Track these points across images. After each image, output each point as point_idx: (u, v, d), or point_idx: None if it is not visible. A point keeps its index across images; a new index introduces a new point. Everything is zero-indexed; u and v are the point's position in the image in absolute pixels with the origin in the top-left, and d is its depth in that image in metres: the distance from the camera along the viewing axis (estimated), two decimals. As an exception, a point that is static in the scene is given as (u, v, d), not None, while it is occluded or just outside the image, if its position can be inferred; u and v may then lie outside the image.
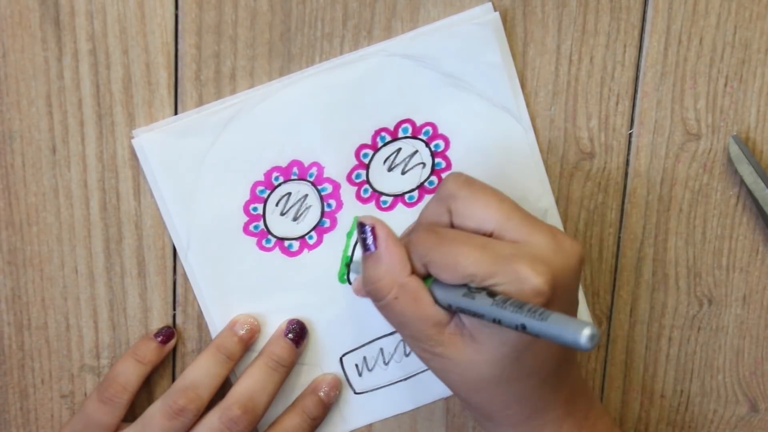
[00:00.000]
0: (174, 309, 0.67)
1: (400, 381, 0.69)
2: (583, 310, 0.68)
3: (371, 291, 0.58)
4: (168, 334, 0.66)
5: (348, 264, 0.66)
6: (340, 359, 0.68)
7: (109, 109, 0.64)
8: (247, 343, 0.66)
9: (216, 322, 0.67)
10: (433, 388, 0.69)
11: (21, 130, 0.64)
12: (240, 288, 0.66)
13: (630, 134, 0.67)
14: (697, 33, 0.65)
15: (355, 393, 0.69)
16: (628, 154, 0.67)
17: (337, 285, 0.67)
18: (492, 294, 0.53)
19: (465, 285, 0.55)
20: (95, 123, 0.64)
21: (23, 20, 0.62)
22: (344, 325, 0.68)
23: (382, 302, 0.58)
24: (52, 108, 0.63)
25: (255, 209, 0.65)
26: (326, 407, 0.68)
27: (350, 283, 0.67)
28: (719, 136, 0.67)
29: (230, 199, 0.65)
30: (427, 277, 0.58)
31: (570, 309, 0.58)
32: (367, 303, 0.67)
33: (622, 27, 0.65)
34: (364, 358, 0.68)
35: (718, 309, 0.69)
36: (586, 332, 0.48)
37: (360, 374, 0.69)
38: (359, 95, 0.64)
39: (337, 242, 0.66)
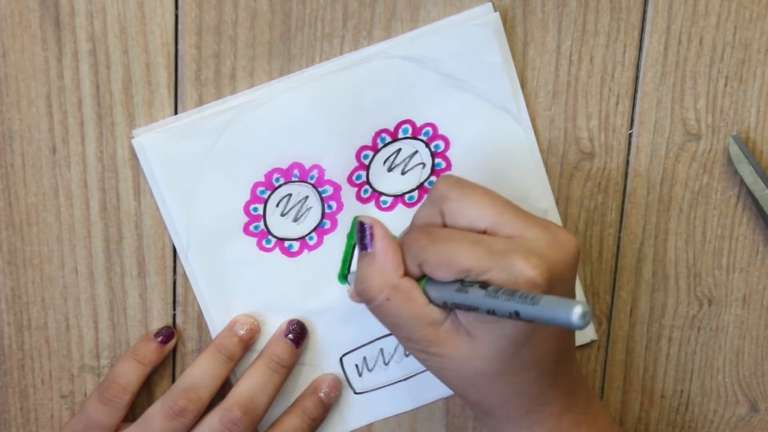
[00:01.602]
0: (174, 309, 0.67)
1: (400, 381, 0.69)
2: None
3: (362, 292, 0.58)
4: (168, 334, 0.66)
5: (348, 264, 0.66)
6: (340, 359, 0.68)
7: (109, 109, 0.63)
8: (247, 343, 0.66)
9: (216, 322, 0.67)
10: (433, 388, 0.69)
11: (21, 130, 0.64)
12: (240, 288, 0.66)
13: (630, 134, 0.67)
14: (697, 33, 0.65)
15: (355, 393, 0.69)
16: (628, 154, 0.67)
17: (337, 285, 0.67)
18: (485, 286, 0.53)
19: (459, 281, 0.55)
20: (95, 123, 0.64)
21: (23, 20, 0.62)
22: (344, 325, 0.68)
23: (373, 303, 0.58)
24: (52, 108, 0.63)
25: (255, 210, 0.65)
26: (326, 408, 0.68)
27: (350, 283, 0.67)
28: (719, 136, 0.67)
29: (230, 199, 0.65)
30: (420, 279, 0.58)
31: None
32: (368, 303, 0.67)
33: (622, 27, 0.65)
34: (364, 358, 0.68)
35: (718, 309, 0.69)
36: (578, 310, 0.48)
37: (360, 374, 0.69)
38: (360, 97, 0.64)
39: (338, 243, 0.66)
